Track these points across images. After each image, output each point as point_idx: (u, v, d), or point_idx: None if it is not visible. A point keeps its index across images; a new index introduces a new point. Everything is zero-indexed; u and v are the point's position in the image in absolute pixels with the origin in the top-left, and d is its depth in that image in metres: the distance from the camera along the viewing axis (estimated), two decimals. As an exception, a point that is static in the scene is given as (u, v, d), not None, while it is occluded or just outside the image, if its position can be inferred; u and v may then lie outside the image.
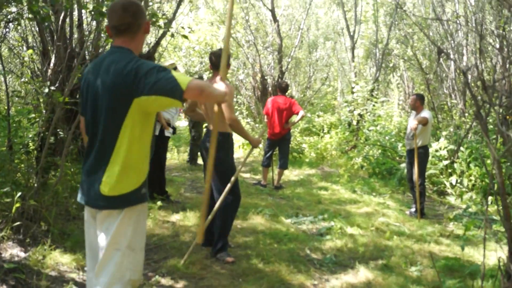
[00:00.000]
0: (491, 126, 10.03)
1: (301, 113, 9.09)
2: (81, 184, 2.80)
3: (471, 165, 9.60)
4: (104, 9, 4.80)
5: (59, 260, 4.48)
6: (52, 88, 5.79)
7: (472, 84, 11.48)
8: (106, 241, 2.66)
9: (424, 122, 7.51)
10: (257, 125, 14.09)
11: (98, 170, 2.67)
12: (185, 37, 5.41)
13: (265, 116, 9.61)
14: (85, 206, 2.81)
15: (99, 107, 2.65)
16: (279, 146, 9.52)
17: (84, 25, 7.67)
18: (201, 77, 9.44)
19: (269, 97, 11.17)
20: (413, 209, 7.90)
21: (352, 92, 15.12)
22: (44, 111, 6.03)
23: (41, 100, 6.31)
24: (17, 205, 4.54)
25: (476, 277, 4.75)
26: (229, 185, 4.76)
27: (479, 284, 3.44)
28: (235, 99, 16.53)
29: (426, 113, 7.66)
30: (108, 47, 7.57)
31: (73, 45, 7.49)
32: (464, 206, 8.44)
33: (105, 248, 2.66)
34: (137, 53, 2.80)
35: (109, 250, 2.66)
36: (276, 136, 9.34)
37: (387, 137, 12.27)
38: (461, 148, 10.00)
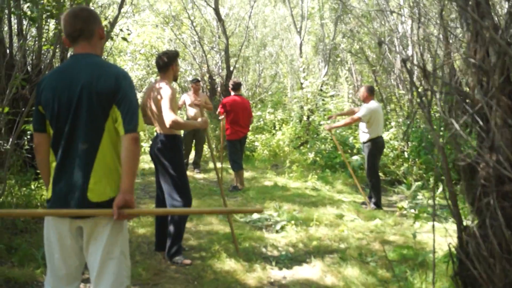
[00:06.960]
0: (438, 114, 10.20)
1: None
2: (57, 197, 2.67)
3: (422, 153, 9.77)
4: (34, 14, 4.62)
5: (7, 275, 4.29)
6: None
7: (418, 74, 11.68)
8: (98, 252, 2.63)
9: (354, 121, 7.77)
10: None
11: (81, 178, 2.61)
12: (125, 39, 5.28)
13: (223, 115, 9.20)
14: (59, 219, 2.67)
15: (79, 113, 2.62)
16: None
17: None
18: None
19: (218, 97, 11.02)
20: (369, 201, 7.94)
21: (302, 88, 15.19)
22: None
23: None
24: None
25: (429, 265, 4.79)
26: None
27: (432, 271, 3.46)
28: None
29: (363, 110, 7.62)
30: (49, 54, 7.36)
31: (14, 53, 7.24)
32: (417, 194, 8.53)
33: (99, 259, 2.62)
34: None
35: (103, 261, 2.63)
36: (242, 136, 9.14)
37: (338, 131, 12.37)
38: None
